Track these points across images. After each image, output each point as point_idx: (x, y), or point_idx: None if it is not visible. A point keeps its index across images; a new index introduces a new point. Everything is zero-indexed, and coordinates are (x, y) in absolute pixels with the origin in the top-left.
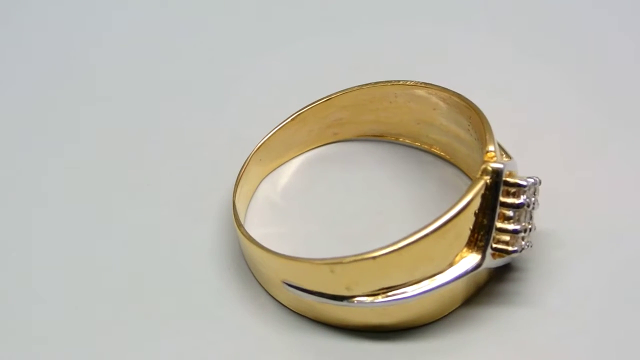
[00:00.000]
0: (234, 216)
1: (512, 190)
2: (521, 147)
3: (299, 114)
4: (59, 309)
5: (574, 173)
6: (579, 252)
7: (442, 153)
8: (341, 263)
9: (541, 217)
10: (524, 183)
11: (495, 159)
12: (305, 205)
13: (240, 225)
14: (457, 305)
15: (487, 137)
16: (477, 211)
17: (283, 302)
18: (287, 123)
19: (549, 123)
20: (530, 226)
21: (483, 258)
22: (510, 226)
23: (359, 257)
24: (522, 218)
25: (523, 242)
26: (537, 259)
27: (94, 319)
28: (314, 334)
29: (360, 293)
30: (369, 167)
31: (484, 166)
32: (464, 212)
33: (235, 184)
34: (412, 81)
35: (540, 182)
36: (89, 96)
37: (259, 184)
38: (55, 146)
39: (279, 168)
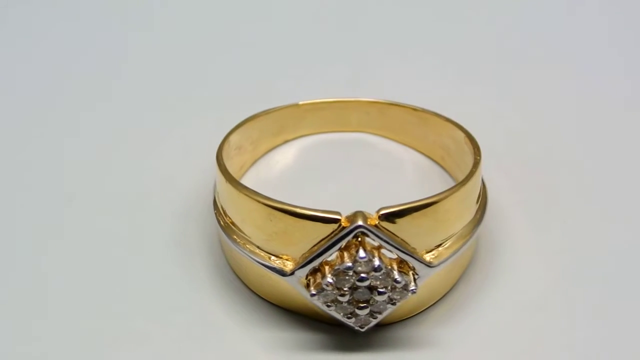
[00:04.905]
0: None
1: (353, 253)
2: None
3: (423, 110)
4: (48, 303)
5: None
6: None
7: None
8: (225, 180)
9: None
10: (362, 255)
11: (375, 221)
12: (326, 166)
13: (230, 134)
14: (291, 309)
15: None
16: (325, 237)
17: None
18: (405, 106)
19: None
20: (366, 304)
21: (291, 273)
22: (327, 273)
23: (235, 185)
24: (342, 281)
25: (332, 305)
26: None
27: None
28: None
29: (229, 221)
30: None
31: (356, 211)
32: (303, 221)
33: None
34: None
35: (409, 291)
36: (88, 100)
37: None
38: (53, 143)
39: (385, 139)
